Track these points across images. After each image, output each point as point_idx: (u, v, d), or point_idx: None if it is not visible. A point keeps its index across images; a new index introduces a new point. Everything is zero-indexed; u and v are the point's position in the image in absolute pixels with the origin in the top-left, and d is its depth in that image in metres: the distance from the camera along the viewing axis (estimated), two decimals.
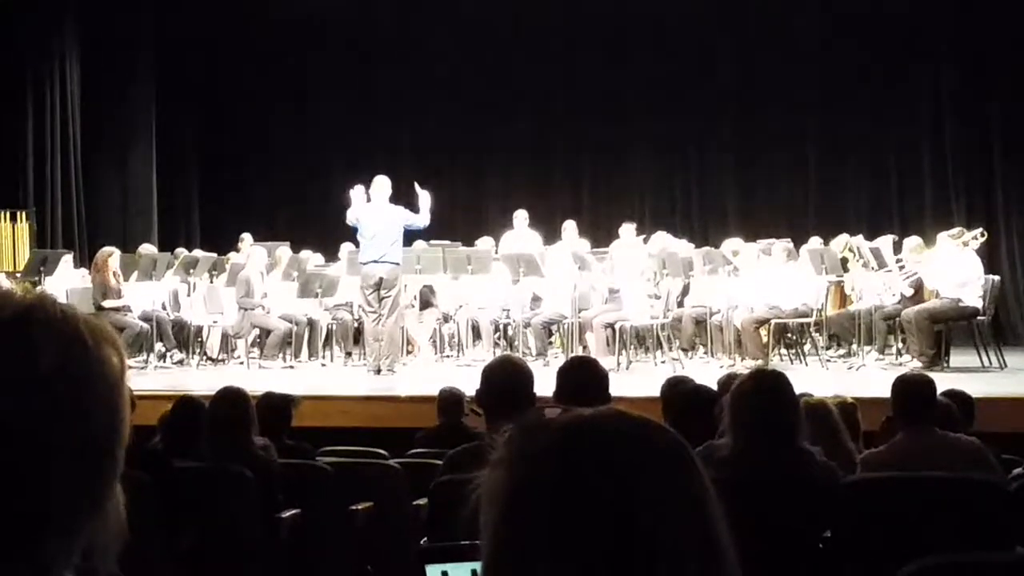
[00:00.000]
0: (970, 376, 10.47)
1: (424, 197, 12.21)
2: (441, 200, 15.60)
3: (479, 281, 13.12)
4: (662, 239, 14.02)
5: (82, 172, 16.88)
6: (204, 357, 13.47)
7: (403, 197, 12.33)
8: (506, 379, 4.55)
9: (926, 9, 16.61)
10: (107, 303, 12.51)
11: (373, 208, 11.92)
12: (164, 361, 13.07)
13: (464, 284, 13.32)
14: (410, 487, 5.94)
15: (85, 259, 15.02)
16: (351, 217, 12.07)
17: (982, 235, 12.45)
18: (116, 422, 1.12)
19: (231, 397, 5.81)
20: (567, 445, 1.16)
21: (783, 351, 12.89)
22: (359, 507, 5.95)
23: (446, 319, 13.65)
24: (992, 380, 10.67)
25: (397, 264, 11.88)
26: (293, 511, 5.67)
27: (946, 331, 11.68)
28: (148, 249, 14.25)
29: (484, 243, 14.12)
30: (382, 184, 12.02)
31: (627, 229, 14.04)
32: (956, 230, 12.41)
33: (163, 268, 13.22)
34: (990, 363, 11.73)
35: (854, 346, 12.46)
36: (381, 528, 6.00)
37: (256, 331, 13.35)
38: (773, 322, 12.13)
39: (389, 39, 18.22)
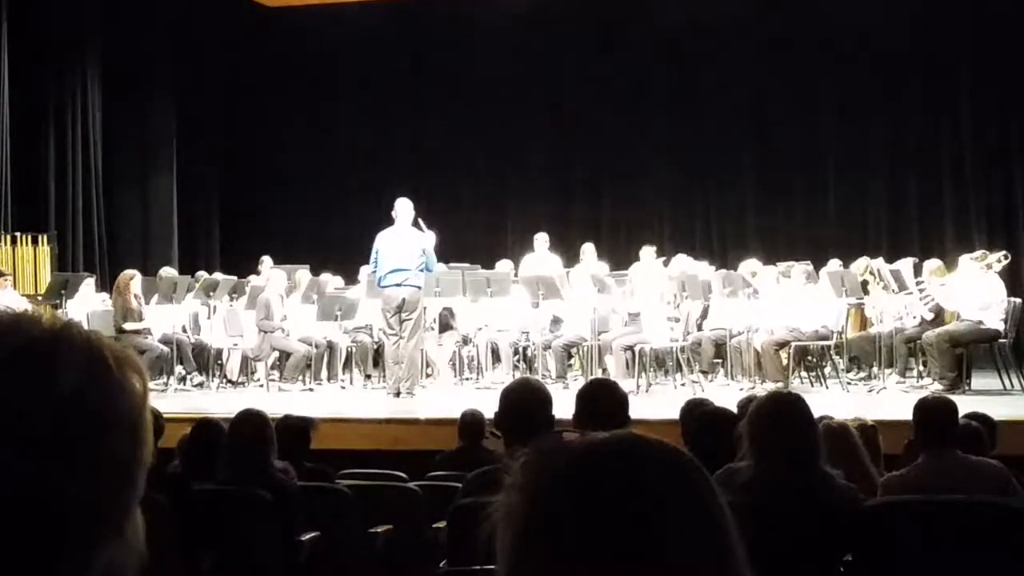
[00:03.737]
0: (992, 399, 10.42)
1: (428, 238, 12.20)
2: (461, 223, 15.68)
3: (499, 304, 13.11)
4: (682, 262, 14.02)
5: (103, 196, 16.97)
6: (224, 380, 13.50)
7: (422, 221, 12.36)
8: (524, 402, 4.54)
9: (946, 31, 16.60)
10: (128, 326, 12.57)
11: (395, 231, 11.95)
12: (184, 384, 13.10)
13: (484, 307, 13.32)
14: (429, 510, 5.94)
15: (106, 282, 15.08)
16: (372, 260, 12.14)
17: (1005, 258, 12.40)
18: (137, 446, 1.13)
19: (250, 420, 5.81)
20: (583, 469, 1.16)
21: (803, 374, 12.83)
22: (378, 530, 5.94)
23: (466, 342, 13.65)
24: (1014, 403, 10.61)
25: (419, 287, 11.90)
26: (312, 534, 5.67)
27: (967, 354, 11.63)
28: (168, 272, 14.30)
29: (504, 266, 14.13)
30: (405, 207, 12.04)
31: (647, 252, 14.04)
32: (979, 253, 12.36)
33: (183, 291, 13.27)
34: (1012, 386, 11.68)
35: (875, 369, 12.41)
36: (400, 551, 6.00)
37: (276, 354, 13.37)
38: (793, 344, 12.10)
39: (408, 63, 18.29)
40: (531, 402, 4.52)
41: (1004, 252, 12.56)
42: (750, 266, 13.44)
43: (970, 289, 11.61)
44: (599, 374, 12.04)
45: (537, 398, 4.56)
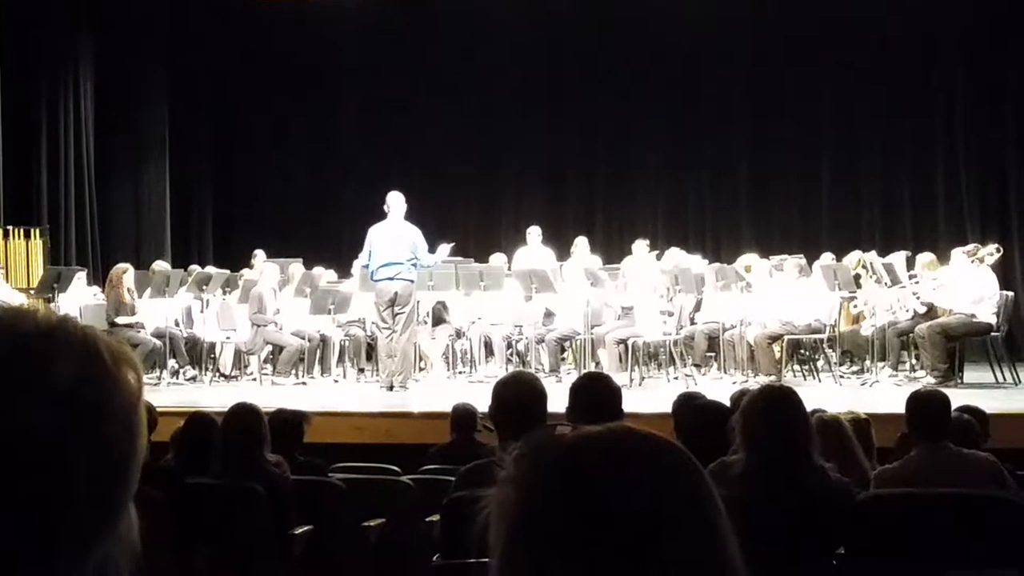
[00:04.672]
0: (984, 392, 10.45)
1: (442, 251, 12.26)
2: (454, 217, 15.66)
3: (492, 297, 13.12)
4: (675, 255, 14.02)
5: (96, 189, 16.93)
6: (217, 373, 13.48)
7: (416, 216, 12.35)
8: (518, 396, 4.54)
9: (940, 27, 16.60)
10: (120, 319, 12.55)
11: (387, 225, 11.94)
12: (177, 377, 13.08)
13: (477, 300, 13.32)
14: (422, 503, 5.94)
15: (99, 276, 15.05)
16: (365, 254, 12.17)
17: (998, 251, 12.41)
18: (131, 441, 1.13)
19: (244, 413, 5.81)
20: (575, 462, 1.16)
21: (796, 367, 12.87)
22: (371, 523, 5.95)
23: (459, 335, 13.65)
24: (1006, 396, 10.65)
25: (411, 281, 11.90)
26: (306, 527, 5.67)
27: (960, 347, 11.65)
28: (161, 266, 14.28)
29: (497, 259, 14.13)
30: (397, 200, 12.03)
31: (640, 245, 14.04)
32: (971, 246, 12.36)
33: (176, 285, 13.25)
34: (1004, 379, 11.71)
35: (867, 362, 12.43)
36: (393, 545, 6.00)
37: (269, 347, 13.36)
38: (786, 338, 12.12)
39: (402, 57, 18.25)
40: (525, 396, 4.52)
41: (996, 246, 12.57)
42: (746, 260, 13.44)
43: (963, 283, 11.62)
44: (592, 367, 12.04)
45: (530, 391, 4.56)
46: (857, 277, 12.82)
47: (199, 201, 18.75)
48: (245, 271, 14.69)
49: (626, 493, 1.14)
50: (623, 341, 12.28)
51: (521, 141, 18.16)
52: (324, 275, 14.37)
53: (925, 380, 10.97)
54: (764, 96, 17.44)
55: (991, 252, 12.19)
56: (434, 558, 4.84)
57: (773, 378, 11.04)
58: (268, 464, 5.69)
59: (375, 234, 11.96)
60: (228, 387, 12.88)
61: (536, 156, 18.31)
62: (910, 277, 12.42)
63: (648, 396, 10.73)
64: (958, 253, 12.09)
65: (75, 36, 16.71)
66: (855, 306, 13.04)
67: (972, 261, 11.85)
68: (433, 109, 18.19)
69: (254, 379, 13.24)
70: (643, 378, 12.36)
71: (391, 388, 11.78)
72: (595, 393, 4.66)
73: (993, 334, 11.71)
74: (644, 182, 18.02)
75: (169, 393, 11.86)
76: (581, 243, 14.60)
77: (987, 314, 11.51)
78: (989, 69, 16.52)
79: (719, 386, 10.96)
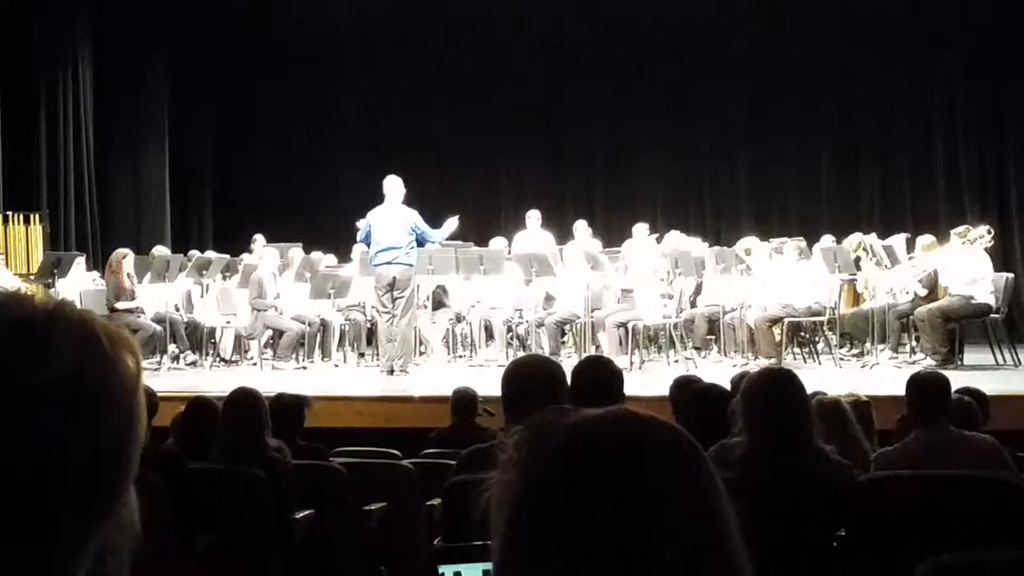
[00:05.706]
0: (984, 374, 10.44)
1: (450, 225, 12.24)
2: (454, 200, 15.60)
3: (492, 281, 13.10)
4: (675, 238, 14.02)
5: (95, 174, 16.92)
6: (217, 358, 13.49)
7: (416, 200, 12.34)
8: (527, 378, 4.50)
9: (939, 10, 16.57)
10: (120, 304, 12.54)
11: (385, 209, 11.93)
12: (177, 362, 13.09)
13: (477, 284, 13.31)
14: (423, 487, 5.94)
15: (99, 261, 15.05)
16: (361, 235, 12.15)
17: (988, 232, 12.39)
18: (131, 426, 1.13)
19: (244, 398, 5.81)
20: (576, 446, 1.16)
21: (796, 350, 12.86)
22: (373, 507, 5.95)
23: (459, 319, 13.65)
24: (1006, 377, 10.66)
25: (410, 265, 11.89)
26: (307, 512, 5.68)
27: (959, 329, 11.65)
28: (161, 251, 14.27)
29: (497, 243, 14.11)
30: (395, 185, 12.01)
31: (640, 229, 14.02)
32: (962, 228, 12.34)
33: (176, 270, 13.24)
34: (1004, 360, 11.71)
35: (867, 344, 12.43)
36: (395, 528, 6.01)
37: (269, 332, 13.36)
38: (786, 321, 12.11)
39: (403, 41, 18.23)
40: (534, 379, 4.46)
41: (987, 227, 12.54)
42: (746, 243, 13.44)
43: (956, 264, 11.61)
44: (592, 351, 12.04)
45: (542, 375, 4.50)
46: (857, 260, 12.81)
47: (199, 186, 18.75)
48: (245, 256, 14.69)
49: (627, 476, 1.13)
50: (623, 324, 12.28)
51: (521, 125, 18.13)
52: (323, 260, 14.36)
53: (925, 362, 10.97)
54: (764, 79, 17.41)
55: (982, 234, 12.17)
56: (435, 542, 4.84)
57: (773, 361, 11.05)
58: (269, 449, 5.69)
59: (373, 219, 11.95)
60: (228, 372, 12.90)
61: (536, 140, 18.29)
62: (910, 259, 12.41)
63: (648, 379, 10.72)
64: (954, 235, 12.10)
65: (74, 21, 16.66)
66: (864, 287, 13.00)
67: (963, 243, 11.84)
68: (433, 94, 18.16)
69: (254, 364, 13.25)
70: (643, 361, 12.36)
71: (391, 372, 11.79)
72: (596, 376, 4.65)
73: (993, 316, 11.71)
74: (644, 165, 18.00)
75: (169, 378, 11.87)
76: (580, 226, 14.58)
77: (985, 295, 11.50)
78: (988, 52, 16.49)
79: (719, 369, 10.97)
